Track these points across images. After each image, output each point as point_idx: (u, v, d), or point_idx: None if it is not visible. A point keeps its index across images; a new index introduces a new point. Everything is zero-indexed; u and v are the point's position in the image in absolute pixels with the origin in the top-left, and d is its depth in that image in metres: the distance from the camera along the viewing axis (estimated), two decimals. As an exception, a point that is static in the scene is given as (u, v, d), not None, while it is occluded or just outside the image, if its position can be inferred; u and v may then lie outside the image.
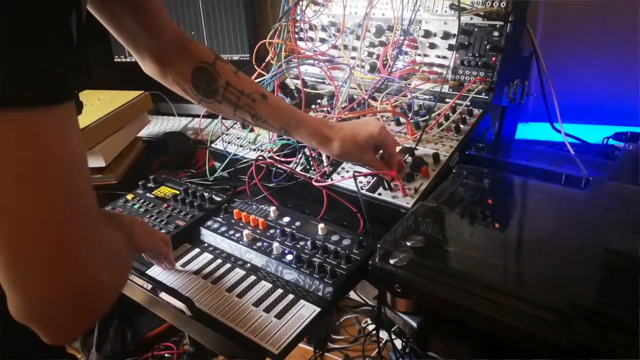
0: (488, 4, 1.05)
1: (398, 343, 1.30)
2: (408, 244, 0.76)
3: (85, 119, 1.25)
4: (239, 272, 0.87)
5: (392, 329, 1.07)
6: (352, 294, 1.57)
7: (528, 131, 1.27)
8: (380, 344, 1.39)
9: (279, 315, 0.77)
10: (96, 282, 0.48)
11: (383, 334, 1.36)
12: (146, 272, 0.90)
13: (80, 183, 0.47)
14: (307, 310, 0.77)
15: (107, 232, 0.53)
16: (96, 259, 0.48)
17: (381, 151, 0.95)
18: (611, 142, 1.14)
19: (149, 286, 0.84)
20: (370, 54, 1.23)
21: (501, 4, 1.04)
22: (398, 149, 1.02)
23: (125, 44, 0.83)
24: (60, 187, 0.45)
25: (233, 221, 0.98)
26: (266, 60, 1.31)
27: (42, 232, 0.44)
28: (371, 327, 1.78)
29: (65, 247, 0.45)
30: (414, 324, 0.79)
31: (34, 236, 0.43)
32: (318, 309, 0.77)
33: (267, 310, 0.78)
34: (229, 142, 1.22)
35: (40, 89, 0.42)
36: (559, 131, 1.16)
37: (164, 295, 0.82)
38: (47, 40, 0.43)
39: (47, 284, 0.45)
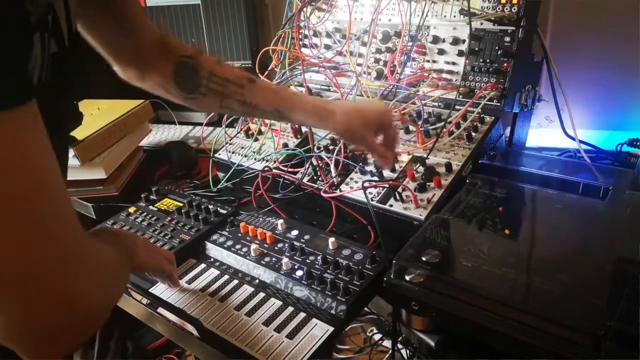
0: (499, 9, 1.02)
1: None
2: (424, 259, 0.73)
3: (85, 130, 1.21)
4: (247, 289, 0.84)
5: (399, 339, 1.04)
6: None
7: (539, 137, 1.24)
8: (388, 355, 1.36)
9: (291, 335, 0.73)
10: (80, 300, 0.44)
11: (387, 343, 1.32)
12: (150, 290, 0.87)
13: (53, 195, 0.44)
14: (319, 330, 0.74)
15: (92, 246, 0.50)
16: (79, 274, 0.45)
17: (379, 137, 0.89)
18: (625, 148, 1.11)
19: (147, 301, 0.81)
20: (377, 61, 1.20)
21: (512, 9, 1.01)
22: (408, 157, 1.00)
23: (104, 52, 0.80)
24: (31, 202, 0.41)
25: (239, 235, 0.95)
26: (269, 68, 1.28)
27: (14, 250, 0.40)
28: (377, 336, 1.74)
29: (41, 264, 0.42)
30: (432, 343, 0.76)
31: (10, 257, 0.40)
32: (331, 329, 0.74)
33: (278, 329, 0.75)
34: (232, 152, 1.19)
35: None
36: (572, 137, 1.13)
37: (169, 315, 0.78)
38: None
39: (26, 304, 0.42)
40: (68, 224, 0.45)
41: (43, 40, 0.45)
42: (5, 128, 0.40)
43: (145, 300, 0.85)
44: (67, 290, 0.44)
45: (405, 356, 1.00)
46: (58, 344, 0.45)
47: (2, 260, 0.40)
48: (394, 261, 0.73)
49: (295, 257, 0.86)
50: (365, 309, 1.65)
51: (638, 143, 1.09)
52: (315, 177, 1.04)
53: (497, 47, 1.04)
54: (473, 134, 1.00)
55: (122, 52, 0.81)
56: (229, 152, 1.19)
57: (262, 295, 0.82)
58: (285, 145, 1.13)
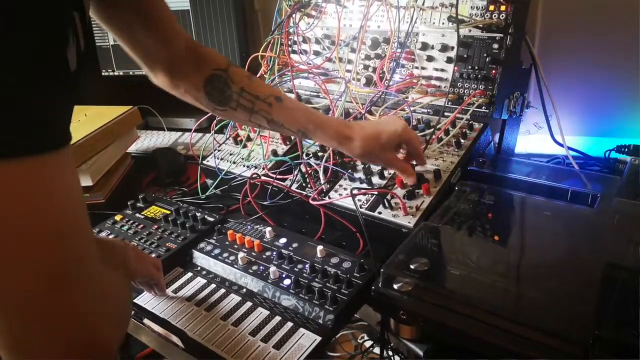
0: (487, 16, 1.03)
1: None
2: (412, 267, 0.72)
3: (71, 136, 1.20)
4: (234, 298, 0.83)
5: (388, 347, 1.03)
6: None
7: (527, 144, 1.25)
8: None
9: (278, 346, 0.72)
10: (98, 337, 0.45)
11: (378, 350, 1.31)
12: (134, 300, 0.85)
13: (82, 233, 0.44)
14: (307, 340, 0.73)
15: (107, 278, 0.50)
16: (97, 312, 0.45)
17: (402, 150, 0.92)
18: (613, 155, 1.12)
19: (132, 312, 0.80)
20: (366, 67, 1.20)
21: (500, 16, 1.01)
22: (422, 144, 0.98)
23: (137, 57, 0.79)
24: (59, 242, 0.41)
25: (227, 243, 0.94)
26: (259, 74, 1.28)
27: (42, 291, 0.40)
28: (368, 343, 1.73)
29: (67, 306, 0.42)
30: (420, 352, 0.75)
31: (34, 295, 0.40)
32: (319, 338, 0.73)
33: (265, 339, 0.74)
34: (221, 159, 1.18)
35: (9, 142, 0.38)
36: (560, 144, 1.14)
37: (154, 326, 0.77)
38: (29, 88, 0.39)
39: (48, 344, 0.41)
40: (94, 258, 0.45)
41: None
42: (50, 170, 0.41)
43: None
44: (89, 328, 0.44)
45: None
46: None
47: (33, 300, 0.40)
48: (382, 270, 0.72)
49: (283, 266, 0.85)
50: (356, 315, 1.64)
51: (626, 150, 1.10)
52: (304, 184, 1.03)
53: (485, 54, 1.04)
54: (462, 140, 1.00)
55: (154, 59, 0.80)
56: (218, 158, 1.18)
57: (249, 304, 0.81)
58: (274, 152, 1.12)
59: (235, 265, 0.88)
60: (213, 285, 0.87)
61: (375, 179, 0.98)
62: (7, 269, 0.39)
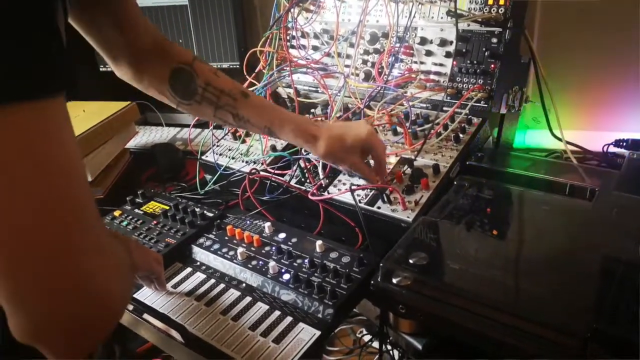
0: (486, 10, 1.02)
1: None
2: (411, 261, 0.72)
3: (69, 132, 1.20)
4: (233, 293, 0.83)
5: (387, 341, 1.03)
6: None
7: (526, 138, 1.25)
8: (377, 357, 1.36)
9: (277, 340, 0.73)
10: (105, 293, 0.44)
11: (377, 344, 1.32)
12: (134, 295, 0.85)
13: (81, 184, 0.44)
14: (306, 334, 0.73)
15: (111, 241, 0.49)
16: (104, 268, 0.45)
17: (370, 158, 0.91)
18: (611, 149, 1.12)
19: (132, 307, 0.80)
20: (365, 62, 1.20)
21: (499, 10, 1.01)
22: (396, 159, 0.99)
23: (100, 49, 0.80)
24: (60, 190, 0.41)
25: (226, 238, 0.94)
26: (257, 69, 1.27)
27: (44, 241, 0.40)
28: (367, 337, 1.74)
29: (70, 257, 0.41)
30: (419, 346, 0.76)
31: (35, 246, 0.40)
32: (318, 332, 0.73)
33: (265, 334, 0.74)
34: (220, 154, 1.18)
35: (11, 84, 0.38)
36: (559, 138, 1.14)
37: (154, 321, 0.77)
38: (27, 31, 0.39)
39: (53, 297, 0.41)
40: (96, 215, 0.45)
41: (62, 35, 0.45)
42: (48, 115, 0.41)
43: (130, 306, 0.83)
44: (95, 282, 0.43)
45: (395, 358, 1.00)
46: (82, 340, 0.44)
47: (36, 251, 0.40)
48: (381, 264, 0.72)
49: (282, 261, 0.85)
50: (355, 310, 1.65)
51: (624, 144, 1.10)
52: (302, 180, 1.03)
53: (484, 49, 1.04)
54: (461, 135, 1.00)
55: (119, 51, 0.80)
56: (217, 154, 1.18)
57: (248, 299, 0.81)
58: (273, 147, 1.12)
59: (234, 260, 0.88)
60: (212, 280, 0.87)
61: (374, 174, 0.97)
62: (5, 213, 0.39)
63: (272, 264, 0.84)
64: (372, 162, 0.94)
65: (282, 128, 0.86)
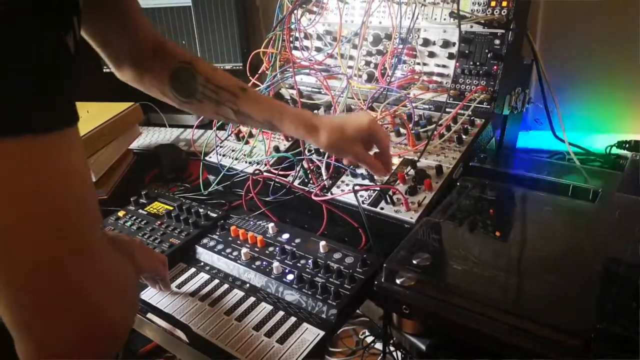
0: (488, 12, 1.03)
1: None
2: (414, 262, 0.73)
3: (73, 133, 1.20)
4: (237, 293, 0.84)
5: (391, 341, 1.04)
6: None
7: (529, 140, 1.25)
8: (380, 358, 1.36)
9: (281, 340, 0.73)
10: (109, 319, 0.46)
11: (380, 345, 1.32)
12: (139, 295, 0.86)
13: (82, 214, 0.44)
14: (310, 334, 0.73)
15: (115, 261, 0.50)
16: (106, 295, 0.46)
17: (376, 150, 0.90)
18: (614, 150, 1.12)
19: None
20: (368, 63, 1.20)
21: (502, 12, 1.01)
22: (399, 160, 0.99)
23: (102, 52, 0.80)
24: (69, 220, 0.42)
25: (230, 239, 0.94)
26: (260, 70, 1.28)
27: (48, 271, 0.41)
28: (369, 339, 1.74)
29: (74, 286, 0.43)
30: (423, 346, 0.76)
31: (40, 275, 0.41)
32: (322, 333, 0.73)
33: (269, 334, 0.74)
34: (223, 155, 1.19)
35: (24, 118, 0.39)
36: (562, 140, 1.14)
37: (159, 321, 0.78)
38: (32, 68, 0.40)
39: (57, 325, 0.42)
40: (100, 242, 0.46)
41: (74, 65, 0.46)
42: (56, 148, 0.41)
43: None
44: (98, 309, 0.45)
45: (397, 359, 1.00)
46: None
47: (41, 281, 0.41)
48: (384, 265, 0.73)
49: (286, 261, 0.86)
50: (357, 311, 1.65)
51: (627, 145, 1.10)
52: (306, 180, 1.03)
53: (487, 50, 1.04)
54: (463, 136, 1.00)
55: (120, 53, 0.81)
56: (220, 155, 1.18)
57: (252, 299, 0.82)
58: (276, 148, 1.13)
59: (238, 261, 0.88)
60: (216, 281, 0.87)
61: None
62: (11, 245, 0.39)
63: (275, 264, 0.84)
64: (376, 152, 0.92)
65: (283, 121, 0.85)
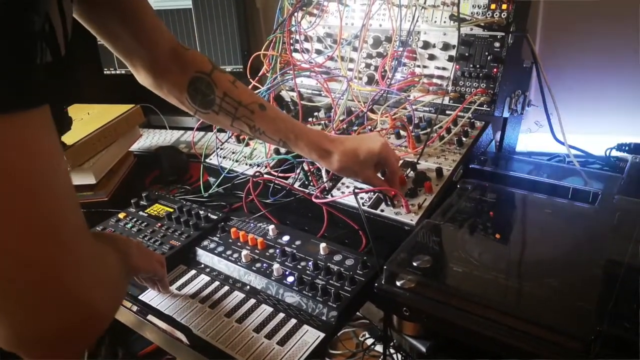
0: (488, 14, 1.03)
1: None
2: (415, 264, 0.73)
3: (74, 135, 1.21)
4: (238, 295, 0.84)
5: (391, 344, 1.04)
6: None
7: (529, 142, 1.25)
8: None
9: (282, 342, 0.73)
10: (88, 305, 0.45)
11: (380, 348, 1.32)
12: (139, 297, 0.86)
13: (57, 197, 0.43)
14: (311, 336, 0.73)
15: (97, 249, 0.49)
16: (87, 279, 0.45)
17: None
18: (614, 153, 1.12)
19: (137, 308, 0.81)
20: (368, 66, 1.21)
21: (502, 15, 1.02)
22: (399, 163, 1.00)
23: (119, 55, 0.81)
24: (36, 203, 0.41)
25: (230, 241, 0.94)
26: (260, 73, 1.28)
27: (23, 254, 0.40)
28: (369, 341, 1.74)
29: (51, 269, 0.42)
30: (423, 348, 0.76)
31: (15, 259, 0.40)
32: (322, 335, 0.73)
33: (269, 336, 0.74)
34: (223, 157, 1.19)
35: None
36: (562, 142, 1.14)
37: (159, 323, 0.78)
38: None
39: (35, 310, 0.41)
40: (76, 227, 0.45)
41: (42, 50, 0.45)
42: (19, 129, 0.40)
43: (134, 308, 0.84)
44: (78, 294, 0.44)
45: (397, 361, 1.00)
46: (65, 349, 0.45)
47: (16, 265, 0.40)
48: (385, 267, 0.73)
49: (286, 263, 0.86)
50: (358, 313, 1.65)
51: (627, 148, 1.10)
52: (306, 182, 1.03)
53: (487, 53, 1.04)
54: (463, 139, 1.01)
55: (138, 60, 0.81)
56: (220, 157, 1.19)
57: (252, 301, 0.82)
58: (277, 151, 1.13)
59: (238, 263, 0.88)
60: (217, 283, 0.87)
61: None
62: None
63: (276, 266, 0.84)
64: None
65: (297, 142, 0.87)
